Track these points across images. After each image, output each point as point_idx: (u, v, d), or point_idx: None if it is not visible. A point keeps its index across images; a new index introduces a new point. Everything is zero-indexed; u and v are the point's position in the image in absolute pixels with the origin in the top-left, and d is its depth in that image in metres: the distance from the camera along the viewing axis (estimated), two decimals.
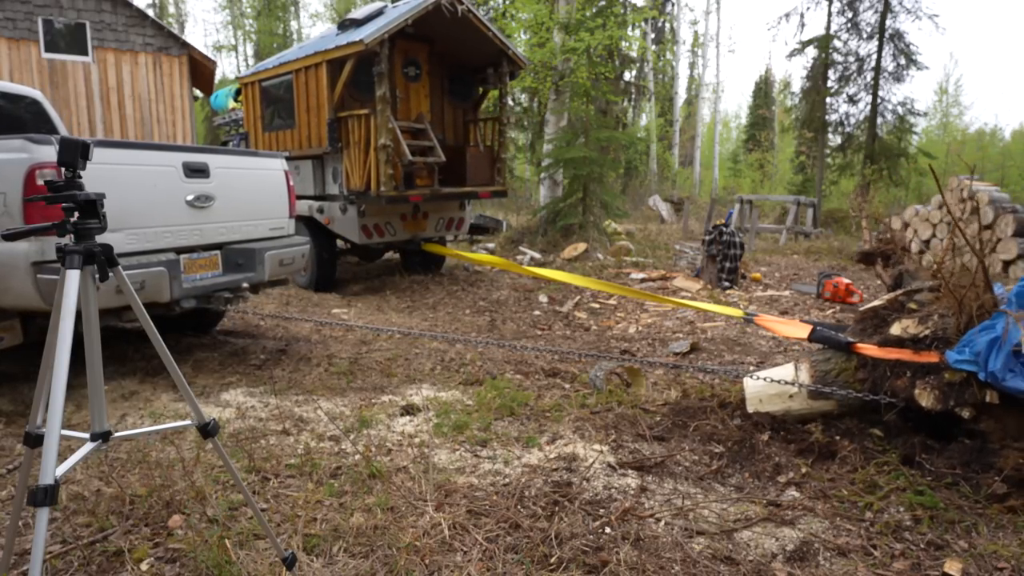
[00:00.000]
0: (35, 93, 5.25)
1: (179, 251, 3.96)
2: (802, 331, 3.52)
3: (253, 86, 8.43)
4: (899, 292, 3.40)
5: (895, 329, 3.02)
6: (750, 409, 3.35)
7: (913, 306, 3.16)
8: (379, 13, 7.43)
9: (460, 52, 8.33)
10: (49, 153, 3.24)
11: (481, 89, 9.06)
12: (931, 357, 2.81)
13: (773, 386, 3.29)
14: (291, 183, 4.81)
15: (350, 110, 7.21)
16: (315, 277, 7.59)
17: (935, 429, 2.89)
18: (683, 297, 7.06)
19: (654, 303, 6.71)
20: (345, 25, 7.75)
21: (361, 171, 7.12)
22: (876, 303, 3.37)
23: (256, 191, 4.51)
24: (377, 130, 6.88)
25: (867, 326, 3.23)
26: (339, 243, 8.08)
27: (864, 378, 3.04)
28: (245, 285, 4.30)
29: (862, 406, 3.05)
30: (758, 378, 3.34)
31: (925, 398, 2.76)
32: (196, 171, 4.02)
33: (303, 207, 7.71)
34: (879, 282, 7.29)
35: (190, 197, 3.98)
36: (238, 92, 10.55)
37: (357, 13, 7.69)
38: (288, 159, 7.92)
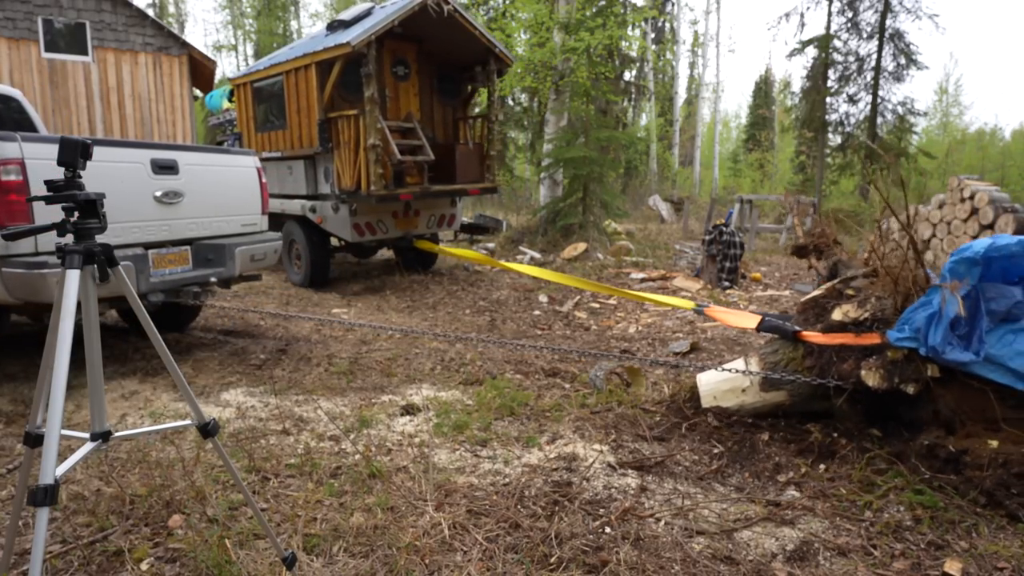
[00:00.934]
0: (14, 92, 5.30)
1: (147, 246, 4.01)
2: (751, 321, 3.53)
3: (245, 87, 8.45)
4: (836, 281, 3.41)
5: (836, 315, 3.05)
6: (705, 405, 3.37)
7: (851, 292, 3.19)
8: (367, 14, 7.46)
9: (448, 51, 8.35)
10: (13, 150, 3.30)
11: (470, 87, 9.10)
12: (873, 338, 2.85)
13: (726, 381, 3.30)
14: (263, 180, 4.85)
15: (340, 111, 7.25)
16: (309, 274, 7.71)
17: (887, 412, 2.92)
18: (683, 297, 7.06)
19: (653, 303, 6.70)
20: (334, 26, 7.78)
21: (352, 171, 7.16)
22: (815, 293, 3.40)
23: (227, 188, 4.55)
24: (366, 130, 6.92)
25: (809, 315, 3.26)
26: (333, 241, 8.13)
27: (812, 365, 3.06)
28: (213, 280, 4.35)
29: (812, 394, 3.07)
30: (718, 368, 3.35)
31: (871, 378, 2.78)
32: (164, 168, 4.07)
33: (296, 206, 7.77)
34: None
35: (158, 193, 4.03)
36: (232, 93, 10.58)
37: (345, 14, 7.73)
38: (281, 159, 8.01)
